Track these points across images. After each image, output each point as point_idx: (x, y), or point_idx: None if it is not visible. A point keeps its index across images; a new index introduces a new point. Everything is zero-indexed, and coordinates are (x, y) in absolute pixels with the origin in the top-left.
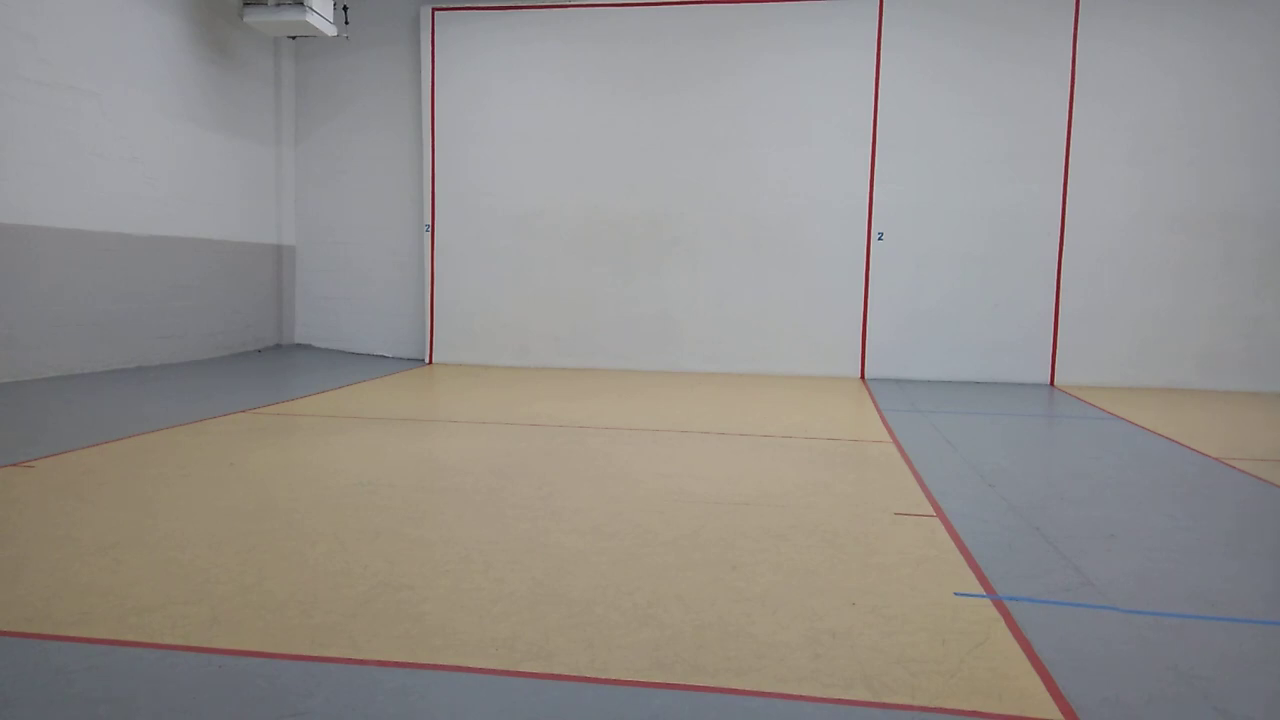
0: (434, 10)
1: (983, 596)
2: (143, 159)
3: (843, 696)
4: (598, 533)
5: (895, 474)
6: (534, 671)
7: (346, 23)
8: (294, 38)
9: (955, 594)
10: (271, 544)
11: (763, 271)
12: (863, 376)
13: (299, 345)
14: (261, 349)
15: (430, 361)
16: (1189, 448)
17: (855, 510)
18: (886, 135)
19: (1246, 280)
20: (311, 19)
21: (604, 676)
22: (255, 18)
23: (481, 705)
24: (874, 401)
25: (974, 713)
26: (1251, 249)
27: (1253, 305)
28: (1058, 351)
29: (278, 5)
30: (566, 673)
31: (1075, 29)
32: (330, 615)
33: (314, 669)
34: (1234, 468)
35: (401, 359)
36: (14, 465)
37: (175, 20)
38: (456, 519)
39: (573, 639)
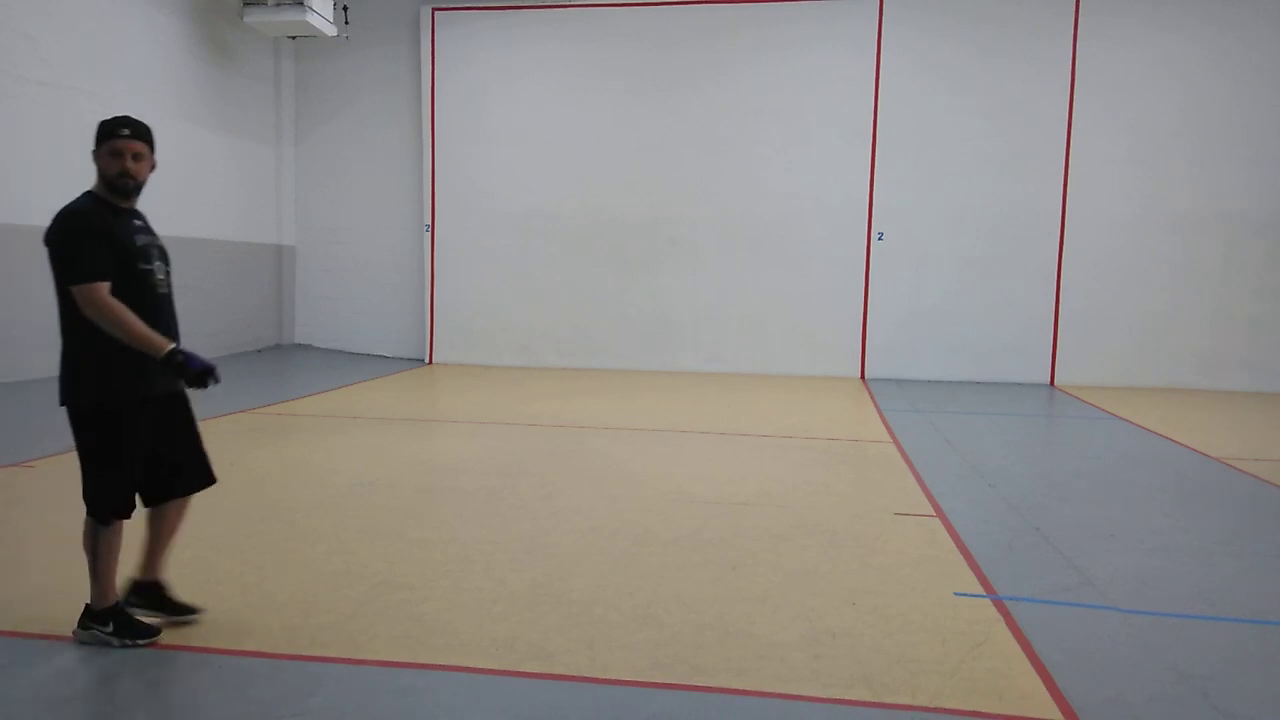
0: (434, 10)
1: (983, 596)
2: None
3: (843, 696)
4: (598, 533)
5: (895, 474)
6: (534, 671)
7: (346, 23)
8: (294, 38)
9: (955, 594)
10: (272, 544)
11: (763, 271)
12: (863, 376)
13: (299, 345)
14: (262, 349)
15: (430, 361)
16: (1189, 448)
17: (855, 510)
18: (886, 135)
19: (1246, 280)
20: (311, 19)
21: (604, 677)
22: (255, 18)
23: (481, 705)
24: (874, 401)
25: (974, 713)
26: (1251, 249)
27: (1253, 305)
28: (1058, 351)
29: (278, 5)
30: (567, 673)
31: (1075, 29)
32: (330, 615)
33: (314, 669)
34: (1234, 468)
35: (402, 359)
36: (14, 465)
37: (175, 20)
38: (457, 519)
39: (573, 639)
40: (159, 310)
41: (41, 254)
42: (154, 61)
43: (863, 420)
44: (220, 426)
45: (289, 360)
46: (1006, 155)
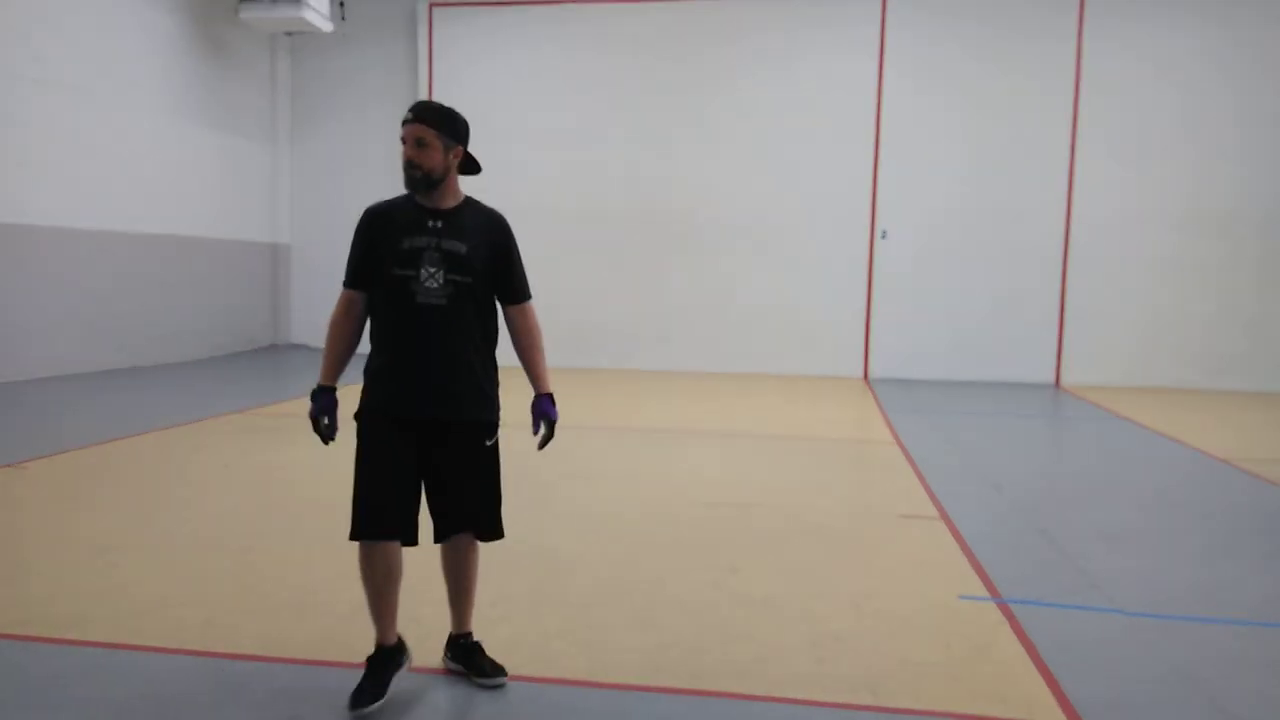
0: (431, 6)
1: (987, 599)
2: (139, 158)
3: (846, 701)
4: (597, 535)
5: (899, 475)
6: (534, 675)
7: (343, 19)
8: (290, 34)
9: (960, 597)
10: (268, 546)
11: (765, 271)
12: (866, 377)
13: (295, 345)
14: (257, 349)
15: None
16: (1194, 449)
17: (858, 512)
18: (890, 134)
19: (1251, 280)
20: (308, 15)
21: (604, 680)
22: (251, 14)
23: (482, 709)
24: (877, 402)
25: (978, 716)
26: (1256, 248)
27: (1257, 305)
28: (1063, 351)
29: (274, 1)
30: (567, 676)
31: (1080, 30)
32: (327, 618)
33: (311, 673)
34: (1238, 468)
35: None
36: (10, 466)
37: (172, 18)
38: None
39: (572, 642)
40: (417, 319)
41: (40, 253)
42: (150, 59)
43: (866, 421)
44: (216, 427)
45: (284, 360)
46: (1011, 154)
